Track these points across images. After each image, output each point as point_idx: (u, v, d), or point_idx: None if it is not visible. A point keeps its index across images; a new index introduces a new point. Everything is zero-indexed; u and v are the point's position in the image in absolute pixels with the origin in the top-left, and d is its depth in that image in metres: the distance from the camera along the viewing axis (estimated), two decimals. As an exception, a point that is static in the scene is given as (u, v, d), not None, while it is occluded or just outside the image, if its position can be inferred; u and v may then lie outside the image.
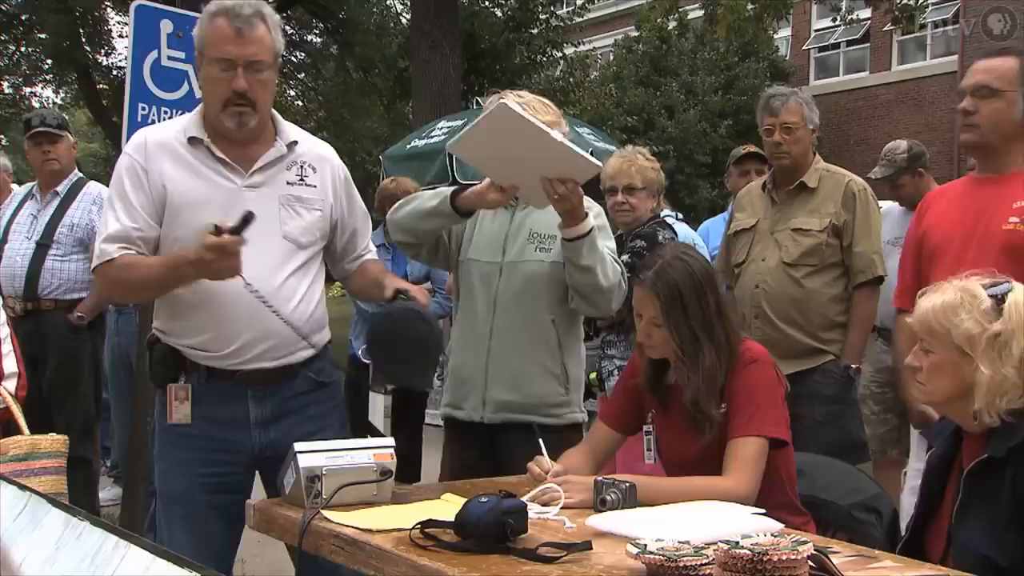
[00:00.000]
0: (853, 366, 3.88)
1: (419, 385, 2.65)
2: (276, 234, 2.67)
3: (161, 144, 2.67)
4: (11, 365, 3.43)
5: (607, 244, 3.03)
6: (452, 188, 2.96)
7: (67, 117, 5.15)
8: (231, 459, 2.70)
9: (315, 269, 2.79)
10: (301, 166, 2.76)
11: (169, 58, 4.01)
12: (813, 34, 22.25)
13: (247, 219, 2.44)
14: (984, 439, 2.20)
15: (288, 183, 2.73)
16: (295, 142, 2.76)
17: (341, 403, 2.96)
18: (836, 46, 21.99)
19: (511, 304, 3.06)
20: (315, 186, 2.76)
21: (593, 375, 3.97)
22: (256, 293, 2.59)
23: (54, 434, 3.46)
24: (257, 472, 2.78)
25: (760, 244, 3.96)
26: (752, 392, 2.47)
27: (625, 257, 3.82)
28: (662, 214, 5.04)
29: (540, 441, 2.54)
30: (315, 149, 2.84)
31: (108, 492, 5.48)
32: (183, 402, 2.67)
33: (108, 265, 2.62)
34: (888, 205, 5.08)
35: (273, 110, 2.79)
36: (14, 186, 5.72)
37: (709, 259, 4.54)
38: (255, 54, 2.60)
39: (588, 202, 3.20)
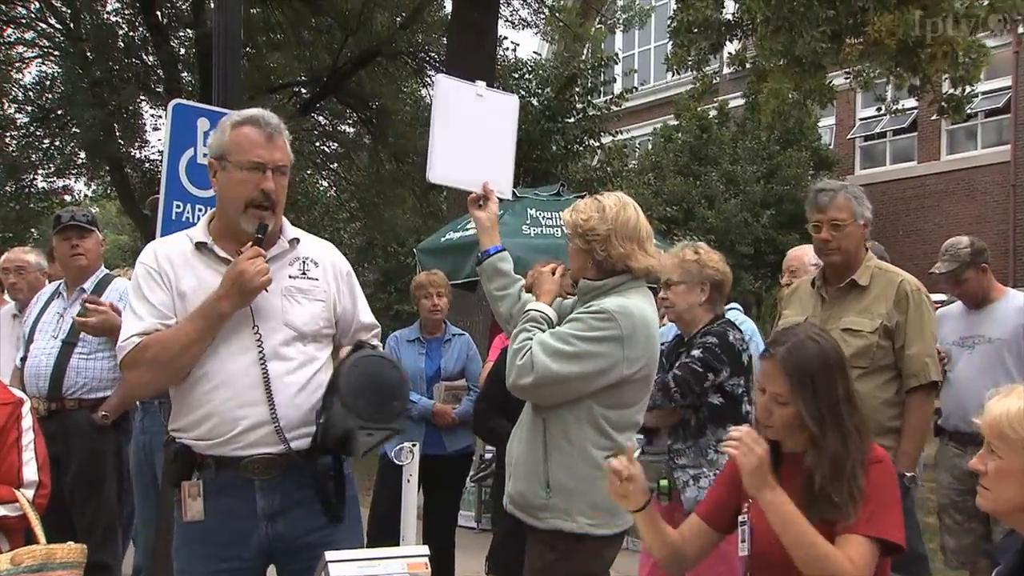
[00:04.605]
0: (908, 474, 3.70)
1: (395, 430, 2.73)
2: (279, 322, 2.76)
3: (169, 255, 2.81)
4: (31, 473, 3.34)
5: (564, 329, 3.09)
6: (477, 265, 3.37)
7: (98, 209, 5.14)
8: (242, 552, 2.72)
9: (320, 363, 2.81)
10: (303, 261, 2.88)
11: (205, 155, 3.99)
12: (858, 123, 22.10)
13: (262, 229, 2.69)
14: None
15: (291, 276, 2.84)
16: (296, 239, 2.89)
17: (354, 498, 2.93)
18: (883, 135, 21.86)
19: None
20: (317, 279, 2.87)
21: (664, 482, 3.89)
22: (264, 366, 2.67)
23: (72, 543, 3.35)
24: (272, 565, 2.81)
25: None
26: (874, 491, 2.42)
27: (697, 352, 3.85)
28: (726, 308, 4.88)
29: None
30: (316, 247, 2.96)
31: (130, 600, 5.32)
32: (195, 499, 2.71)
33: (140, 350, 2.66)
34: (946, 307, 4.93)
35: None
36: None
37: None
38: (281, 159, 2.80)
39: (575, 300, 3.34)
